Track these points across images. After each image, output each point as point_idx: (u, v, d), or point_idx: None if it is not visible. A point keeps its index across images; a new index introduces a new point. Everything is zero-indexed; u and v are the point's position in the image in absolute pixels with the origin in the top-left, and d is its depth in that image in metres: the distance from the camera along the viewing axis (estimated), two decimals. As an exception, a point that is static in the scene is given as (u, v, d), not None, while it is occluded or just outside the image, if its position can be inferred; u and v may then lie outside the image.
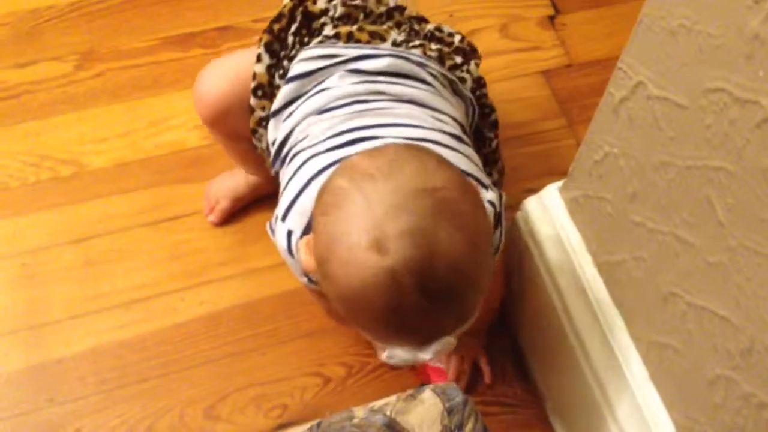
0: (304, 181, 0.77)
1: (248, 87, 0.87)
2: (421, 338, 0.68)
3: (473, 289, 0.68)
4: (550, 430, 0.94)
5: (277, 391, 0.94)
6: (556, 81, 1.13)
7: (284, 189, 0.80)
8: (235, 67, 0.90)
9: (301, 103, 0.83)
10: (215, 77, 0.91)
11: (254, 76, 0.87)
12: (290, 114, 0.84)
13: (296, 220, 0.76)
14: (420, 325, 0.67)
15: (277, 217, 0.78)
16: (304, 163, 0.78)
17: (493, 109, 0.93)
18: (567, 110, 1.14)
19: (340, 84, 0.82)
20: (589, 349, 0.81)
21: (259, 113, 0.87)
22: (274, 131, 0.85)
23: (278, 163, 0.85)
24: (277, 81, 0.87)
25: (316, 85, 0.83)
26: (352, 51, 0.84)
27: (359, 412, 0.53)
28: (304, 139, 0.81)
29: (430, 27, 0.91)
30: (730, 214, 0.59)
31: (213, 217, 1.04)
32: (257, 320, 0.98)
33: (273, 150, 0.85)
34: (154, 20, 1.22)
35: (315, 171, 0.77)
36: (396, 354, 0.70)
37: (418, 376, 0.73)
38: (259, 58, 0.87)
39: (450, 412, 0.54)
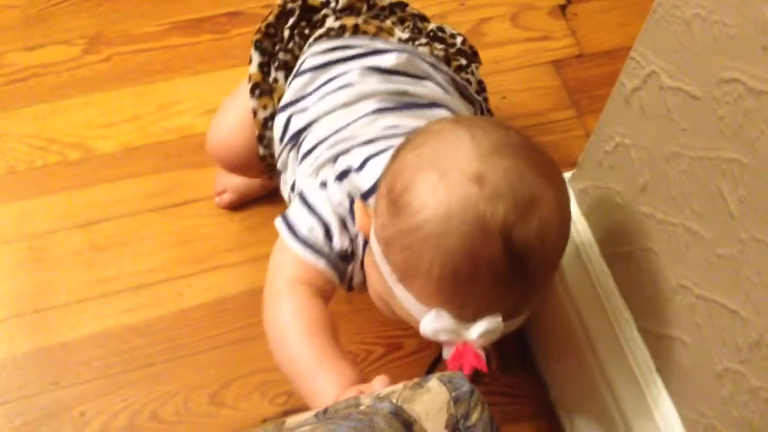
0: (357, 163, 0.75)
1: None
2: (476, 306, 0.63)
3: (547, 271, 0.65)
4: (554, 422, 0.94)
5: (282, 378, 0.93)
6: (567, 71, 1.13)
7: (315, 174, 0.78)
8: (240, 116, 0.89)
9: (322, 97, 0.81)
10: (224, 133, 0.91)
11: (249, 77, 0.86)
12: (306, 108, 0.82)
13: (346, 192, 0.75)
14: (485, 286, 0.62)
15: (324, 183, 0.75)
16: (346, 152, 0.77)
17: (491, 114, 0.92)
18: (577, 101, 1.14)
19: (362, 81, 0.80)
20: (595, 341, 0.80)
21: (262, 113, 0.86)
22: (285, 124, 0.84)
23: (290, 151, 0.83)
24: (273, 74, 0.86)
25: (332, 79, 0.82)
26: (364, 43, 0.83)
27: (365, 399, 0.53)
28: (335, 133, 0.79)
29: (432, 26, 0.89)
30: (742, 207, 0.58)
31: (219, 203, 1.04)
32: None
33: (285, 139, 0.84)
34: (163, 5, 1.22)
35: (363, 158, 0.75)
36: (440, 321, 0.63)
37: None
38: (250, 59, 0.86)
39: (456, 401, 0.54)
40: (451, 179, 0.61)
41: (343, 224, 0.74)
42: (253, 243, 1.02)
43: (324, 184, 0.76)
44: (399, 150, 0.68)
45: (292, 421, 0.54)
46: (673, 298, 0.69)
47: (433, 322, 0.63)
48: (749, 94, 0.55)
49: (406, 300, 0.65)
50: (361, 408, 0.52)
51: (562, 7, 1.25)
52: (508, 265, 0.61)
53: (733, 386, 0.63)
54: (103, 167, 1.06)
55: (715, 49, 0.58)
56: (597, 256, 0.80)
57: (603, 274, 0.79)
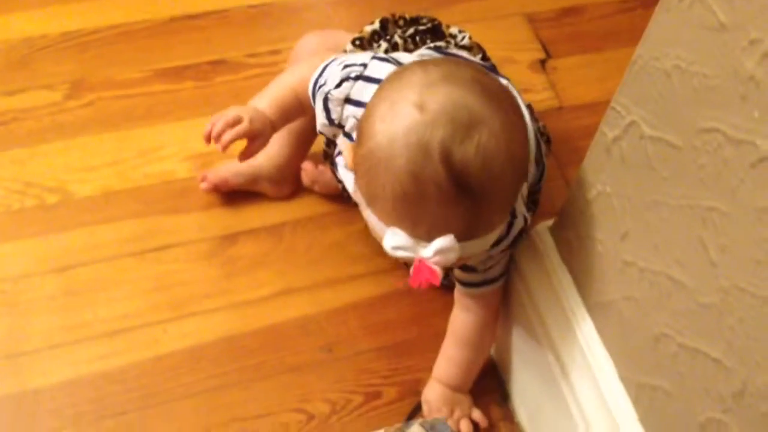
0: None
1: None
2: (428, 225, 0.68)
3: (495, 193, 0.69)
4: (535, 474, 0.92)
5: (259, 427, 0.92)
6: (547, 123, 1.13)
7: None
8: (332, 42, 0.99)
9: None
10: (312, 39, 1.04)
11: (361, 31, 0.96)
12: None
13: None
14: (433, 205, 0.67)
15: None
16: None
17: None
18: (556, 152, 1.15)
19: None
20: (577, 392, 0.80)
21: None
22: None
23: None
24: (380, 44, 0.95)
25: None
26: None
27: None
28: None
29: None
30: (723, 255, 0.59)
31: (205, 184, 1.06)
32: (241, 354, 0.96)
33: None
34: (146, 52, 1.22)
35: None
36: (397, 238, 0.69)
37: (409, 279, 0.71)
38: (372, 22, 0.97)
39: (438, 447, 0.53)
40: (397, 107, 0.68)
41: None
42: (233, 289, 1.01)
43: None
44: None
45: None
46: (655, 347, 0.69)
47: (390, 239, 0.69)
48: (729, 143, 0.56)
49: (372, 221, 0.72)
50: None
51: (542, 62, 1.27)
52: (452, 186, 0.66)
53: (716, 436, 0.63)
54: (81, 211, 1.05)
55: (694, 100, 0.59)
56: (579, 304, 0.80)
57: (585, 323, 0.79)
